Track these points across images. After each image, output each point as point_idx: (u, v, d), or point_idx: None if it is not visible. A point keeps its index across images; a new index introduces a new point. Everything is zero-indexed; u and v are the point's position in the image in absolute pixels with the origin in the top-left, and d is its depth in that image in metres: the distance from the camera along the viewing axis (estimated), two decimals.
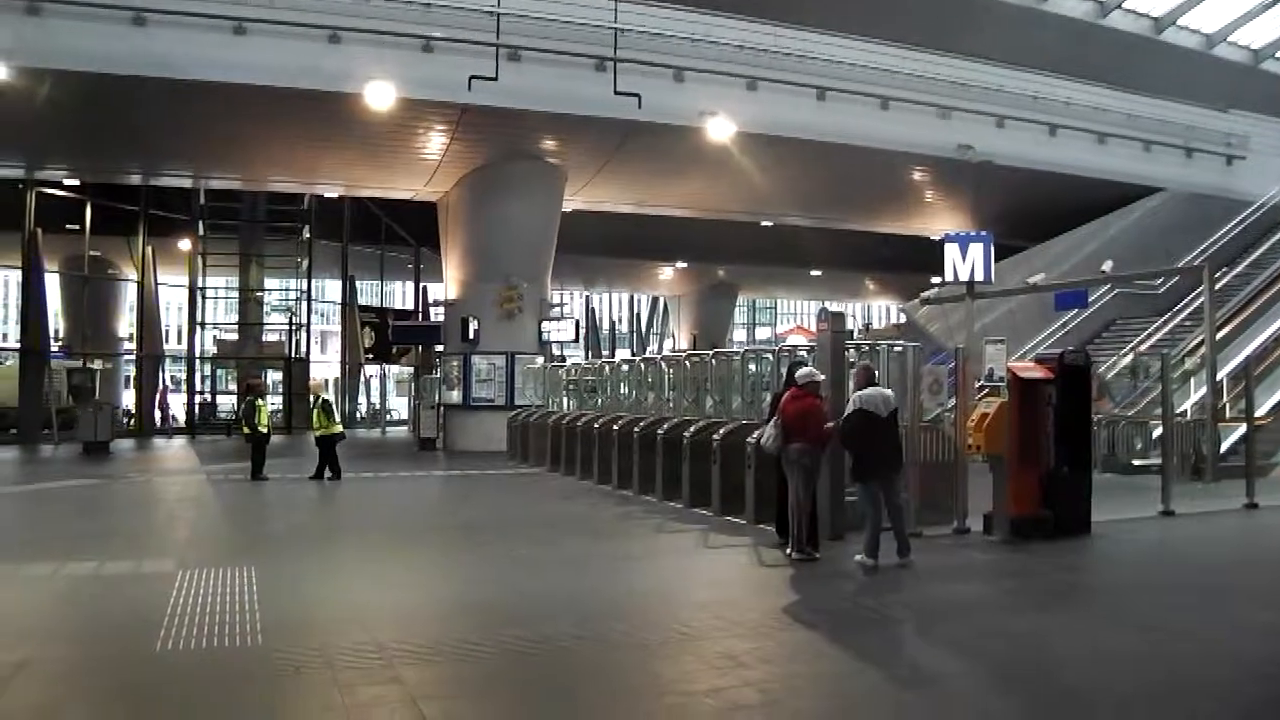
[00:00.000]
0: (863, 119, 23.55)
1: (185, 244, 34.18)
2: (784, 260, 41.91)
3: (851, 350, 11.97)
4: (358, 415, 39.41)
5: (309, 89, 19.41)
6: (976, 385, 13.75)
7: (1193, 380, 20.96)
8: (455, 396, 25.46)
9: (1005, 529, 10.85)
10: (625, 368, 19.76)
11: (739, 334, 60.57)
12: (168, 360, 40.14)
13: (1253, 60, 32.18)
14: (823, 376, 10.33)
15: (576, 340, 28.88)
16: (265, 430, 18.22)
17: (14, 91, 18.29)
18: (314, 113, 20.81)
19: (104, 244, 33.71)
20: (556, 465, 19.12)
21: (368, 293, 44.08)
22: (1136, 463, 18.50)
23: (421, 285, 39.38)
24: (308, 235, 34.77)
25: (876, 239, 35.36)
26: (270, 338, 36.45)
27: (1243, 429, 16.44)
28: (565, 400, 21.51)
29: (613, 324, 60.58)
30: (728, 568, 10.29)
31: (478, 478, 19.24)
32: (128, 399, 38.31)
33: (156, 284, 34.49)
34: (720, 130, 21.45)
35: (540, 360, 25.06)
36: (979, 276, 22.20)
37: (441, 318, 28.00)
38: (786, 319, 70.07)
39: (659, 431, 14.66)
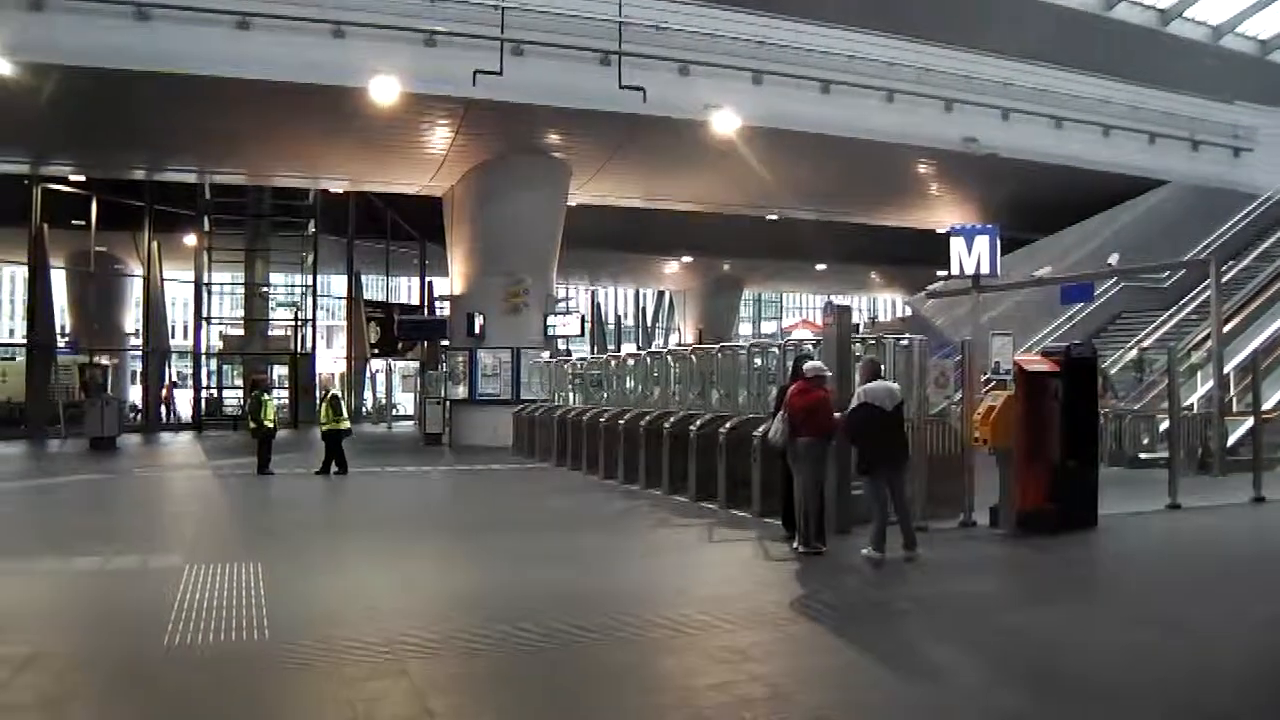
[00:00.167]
0: (868, 112, 23.48)
1: (191, 239, 34.17)
2: (789, 254, 41.82)
3: (858, 344, 11.95)
4: (363, 410, 39.41)
5: (313, 83, 19.37)
6: (983, 379, 13.74)
7: (1199, 374, 20.91)
8: (461, 391, 25.46)
9: (1012, 522, 10.84)
10: (631, 362, 19.76)
11: (744, 328, 60.52)
12: (174, 355, 40.13)
13: (1260, 51, 32.07)
14: (829, 372, 10.33)
15: (582, 335, 28.92)
16: (271, 425, 18.25)
17: (19, 87, 18.27)
18: (318, 107, 20.78)
19: (110, 239, 33.75)
20: (563, 460, 19.12)
21: (373, 288, 44.07)
22: (1143, 456, 18.44)
23: (427, 280, 39.39)
24: (313, 230, 34.74)
25: (884, 233, 35.27)
26: (276, 333, 36.43)
27: (1250, 422, 16.38)
28: (571, 395, 21.51)
29: (618, 318, 60.60)
30: (734, 562, 10.29)
31: (484, 472, 19.26)
32: (134, 394, 38.38)
33: (162, 279, 34.53)
34: (725, 124, 21.39)
35: (546, 355, 25.06)
36: (985, 270, 22.15)
37: (447, 312, 28.01)
38: (792, 313, 70.03)
39: (665, 426, 14.65)
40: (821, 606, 7.90)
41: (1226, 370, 19.55)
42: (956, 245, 22.45)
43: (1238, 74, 30.38)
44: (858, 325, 24.99)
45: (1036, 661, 6.42)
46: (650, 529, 12.30)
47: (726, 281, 49.62)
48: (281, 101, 20.42)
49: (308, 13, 18.94)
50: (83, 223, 31.29)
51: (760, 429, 11.49)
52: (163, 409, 34.78)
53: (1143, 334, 25.13)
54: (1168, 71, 28.17)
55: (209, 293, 34.71)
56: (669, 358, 17.82)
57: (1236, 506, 13.45)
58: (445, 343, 28.50)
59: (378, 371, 42.21)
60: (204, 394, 34.82)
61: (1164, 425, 17.12)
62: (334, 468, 17.78)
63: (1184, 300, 26.12)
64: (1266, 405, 16.50)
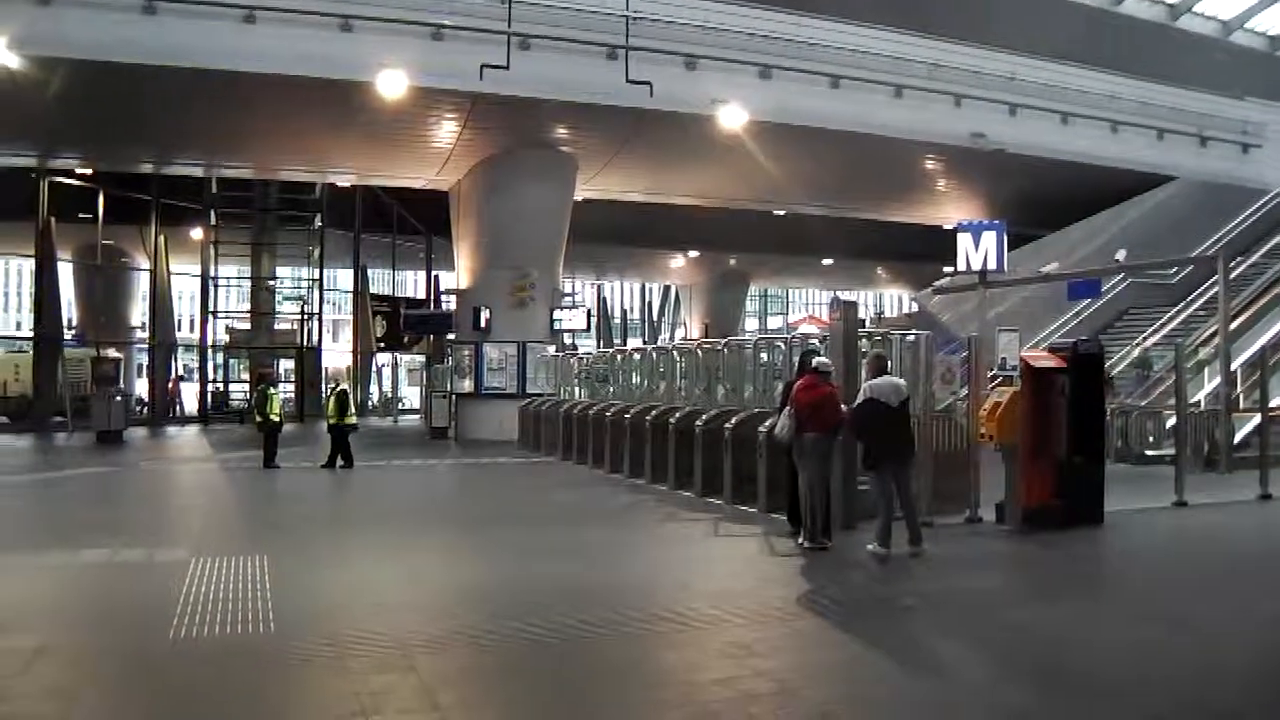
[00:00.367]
0: (876, 107, 23.43)
1: (197, 233, 34.23)
2: (796, 249, 41.80)
3: (864, 340, 11.94)
4: (369, 404, 39.46)
5: (320, 77, 19.36)
6: (989, 374, 13.72)
7: (1206, 370, 20.86)
8: (467, 385, 25.46)
9: (1017, 518, 10.83)
10: (637, 357, 19.76)
11: (750, 323, 60.49)
12: (180, 349, 40.22)
13: (1269, 47, 31.96)
14: (832, 368, 10.32)
15: (588, 329, 28.90)
16: (277, 419, 18.27)
17: (26, 81, 18.28)
18: (325, 101, 20.79)
19: (117, 233, 33.80)
20: (568, 454, 19.13)
21: (379, 281, 44.07)
22: (1150, 453, 18.41)
23: (433, 274, 39.39)
24: (319, 224, 34.80)
25: (891, 229, 35.21)
26: (282, 326, 36.49)
27: (1257, 419, 16.34)
28: (577, 389, 21.53)
29: (624, 313, 60.58)
30: (739, 557, 10.28)
31: (489, 466, 19.27)
32: (140, 387, 38.46)
33: (169, 273, 34.56)
34: (732, 118, 21.35)
35: (552, 349, 25.06)
36: (992, 265, 22.13)
37: (453, 306, 28.02)
38: (798, 308, 69.97)
39: (671, 420, 14.65)
40: (827, 602, 7.90)
41: (1234, 367, 19.50)
42: (963, 241, 22.42)
43: (1247, 69, 30.27)
44: (864, 321, 24.96)
45: (1042, 658, 6.41)
46: (656, 524, 12.30)
47: (733, 276, 49.60)
48: (288, 95, 20.43)
49: (315, 6, 18.96)
50: (90, 216, 31.33)
51: (766, 424, 11.48)
52: (170, 402, 34.82)
53: (1150, 330, 25.07)
54: (1177, 67, 28.06)
55: (215, 286, 34.75)
56: (675, 352, 17.82)
57: (1243, 504, 13.43)
58: (451, 337, 28.52)
59: (384, 365, 42.25)
60: (210, 388, 34.87)
61: (1170, 422, 17.10)
62: (340, 461, 17.81)
63: (1191, 296, 26.05)
64: (1274, 402, 16.44)
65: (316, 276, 35.80)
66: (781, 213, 33.32)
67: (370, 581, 8.66)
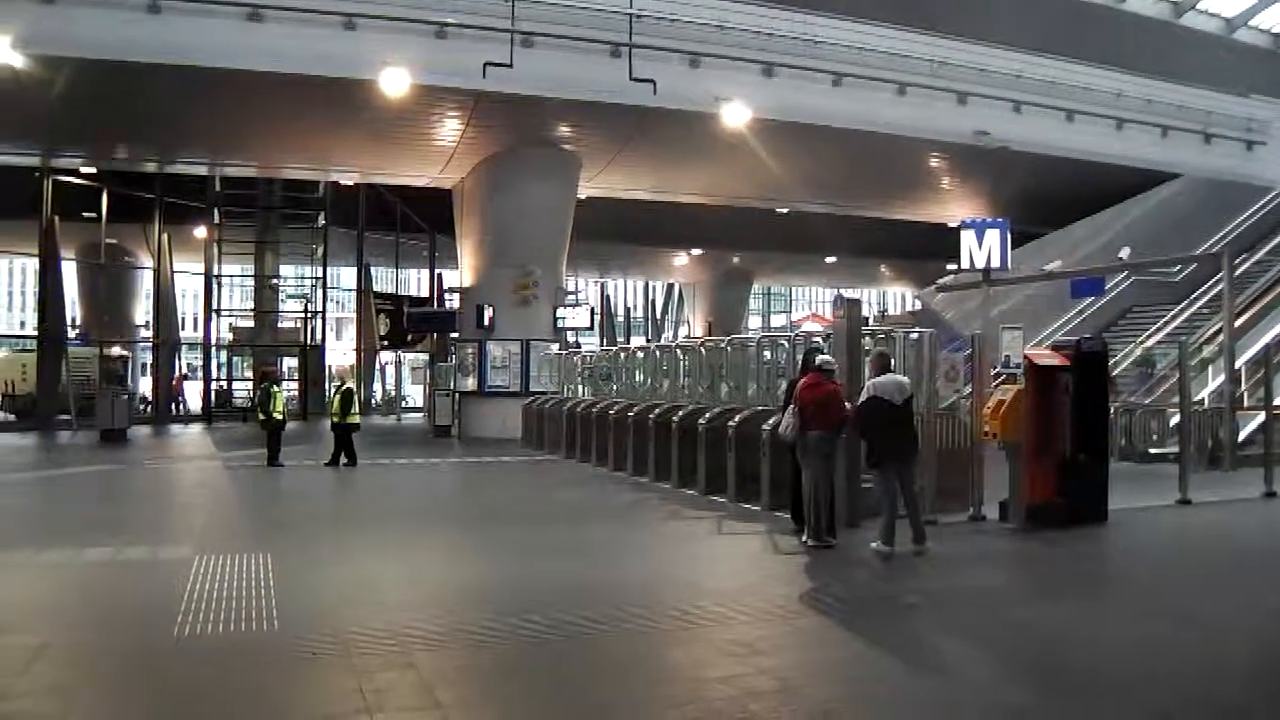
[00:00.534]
0: (879, 105, 23.40)
1: (201, 231, 34.23)
2: (799, 247, 41.78)
3: (867, 337, 11.93)
4: (373, 402, 39.50)
5: (324, 75, 19.38)
6: (993, 372, 13.71)
7: (1210, 368, 20.84)
8: (470, 383, 25.47)
9: (1021, 516, 10.81)
10: (640, 354, 19.75)
11: (754, 321, 60.46)
12: (184, 347, 40.26)
13: (1274, 45, 31.90)
14: (836, 366, 10.31)
15: (591, 327, 28.88)
16: (280, 417, 18.28)
17: (30, 79, 18.31)
18: (328, 99, 20.80)
19: (120, 231, 33.81)
20: (572, 452, 19.14)
21: (383, 279, 44.11)
22: (1153, 451, 18.40)
23: (437, 272, 39.40)
24: (323, 222, 34.81)
25: (894, 227, 35.17)
26: (286, 325, 36.51)
27: (1261, 417, 16.32)
28: (580, 387, 21.53)
29: (627, 311, 60.54)
30: (743, 554, 10.29)
31: (493, 464, 19.27)
32: (144, 386, 38.51)
33: (172, 271, 34.60)
34: (735, 116, 21.33)
35: (555, 347, 25.07)
36: (995, 263, 22.10)
37: (457, 304, 28.02)
38: (801, 306, 69.95)
39: (674, 419, 14.64)
40: (830, 600, 7.89)
41: (1238, 365, 19.48)
42: (967, 239, 22.40)
43: (1251, 67, 30.23)
44: (867, 319, 24.94)
45: (1046, 655, 6.40)
46: (659, 522, 12.31)
47: (736, 274, 49.58)
48: (292, 93, 20.44)
49: (318, 4, 18.97)
50: (93, 215, 31.36)
51: (770, 422, 11.47)
52: (173, 401, 34.85)
53: (1154, 328, 25.04)
54: (1181, 64, 28.02)
55: (219, 285, 34.79)
56: (678, 350, 17.81)
57: (1247, 501, 13.42)
58: (455, 335, 28.52)
59: (387, 363, 42.28)
60: (214, 386, 34.91)
61: (1174, 420, 17.06)
62: (343, 459, 17.82)
63: (1196, 294, 26.04)
64: (1278, 400, 16.41)
65: (320, 274, 35.83)
66: (785, 211, 33.29)
67: (373, 579, 8.66)
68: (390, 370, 42.69)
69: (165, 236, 33.23)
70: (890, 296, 65.13)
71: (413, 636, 6.50)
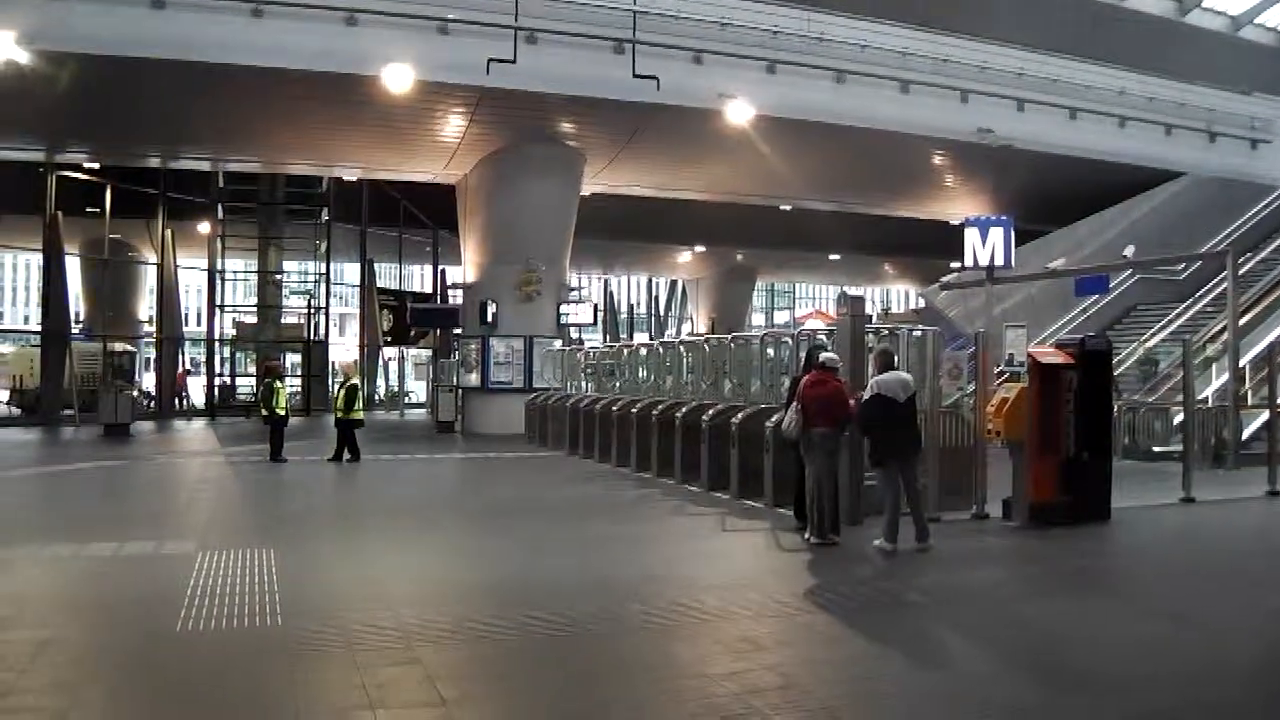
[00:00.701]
0: (882, 102, 23.40)
1: (204, 227, 34.23)
2: (802, 244, 41.77)
3: (871, 335, 11.92)
4: (376, 398, 39.51)
5: (327, 71, 19.41)
6: (996, 370, 13.69)
7: (1214, 366, 20.80)
8: (473, 379, 25.49)
9: (1024, 515, 10.81)
10: (643, 351, 19.74)
11: (757, 318, 60.45)
12: (187, 343, 40.29)
13: (1278, 42, 31.80)
14: (839, 363, 10.31)
15: (595, 323, 28.87)
16: (283, 412, 18.29)
17: (35, 75, 18.33)
18: (332, 95, 20.80)
19: (124, 227, 33.82)
20: (575, 448, 19.15)
21: (386, 275, 44.12)
22: (1157, 449, 18.35)
23: (440, 268, 39.38)
24: (326, 218, 34.83)
25: (897, 224, 35.14)
26: (289, 320, 36.52)
27: (1265, 416, 16.29)
28: (583, 383, 21.52)
29: (631, 307, 60.57)
30: (746, 551, 10.30)
31: (496, 460, 19.28)
32: (147, 381, 38.54)
33: (176, 267, 34.59)
34: (739, 113, 21.33)
35: (559, 343, 25.07)
36: (999, 261, 22.04)
37: (460, 301, 28.02)
38: (805, 303, 69.96)
39: (677, 415, 14.66)
40: (833, 597, 7.89)
41: (1242, 363, 19.45)
42: (970, 236, 22.34)
43: (1256, 65, 30.18)
44: (871, 316, 24.92)
45: (1048, 653, 6.40)
46: (662, 518, 12.31)
47: (740, 271, 49.57)
48: (295, 89, 20.44)
49: (321, 0, 18.95)
50: (97, 210, 31.35)
51: (773, 419, 11.47)
52: (176, 397, 34.88)
53: (1158, 326, 25.01)
54: (1185, 62, 28.00)
55: (222, 280, 34.76)
56: (681, 347, 17.80)
57: (1251, 500, 13.42)
58: (458, 331, 28.55)
59: (390, 359, 42.30)
60: (217, 381, 34.93)
61: (1178, 418, 17.04)
62: (346, 455, 17.83)
63: (1200, 293, 25.99)
64: None
65: (323, 270, 35.82)
66: (788, 208, 33.26)
67: (376, 574, 8.66)
68: (393, 366, 42.70)
69: (169, 232, 33.21)
70: (894, 294, 65.12)
71: (416, 631, 6.51)
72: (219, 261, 34.18)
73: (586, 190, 26.54)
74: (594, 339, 39.34)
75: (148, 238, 34.81)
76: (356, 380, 19.74)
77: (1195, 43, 29.37)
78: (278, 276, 36.19)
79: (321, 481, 16.15)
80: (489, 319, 24.62)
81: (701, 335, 33.10)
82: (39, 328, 32.47)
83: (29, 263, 61.26)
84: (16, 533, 10.58)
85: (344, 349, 42.62)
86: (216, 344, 35.13)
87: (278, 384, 18.63)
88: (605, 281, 56.69)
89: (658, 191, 30.59)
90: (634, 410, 16.27)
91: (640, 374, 19.02)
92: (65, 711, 5.17)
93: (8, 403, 34.14)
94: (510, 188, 24.40)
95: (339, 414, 18.16)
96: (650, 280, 58.95)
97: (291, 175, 32.98)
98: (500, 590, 7.99)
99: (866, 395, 9.78)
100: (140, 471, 17.65)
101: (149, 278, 38.54)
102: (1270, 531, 12.02)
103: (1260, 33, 31.37)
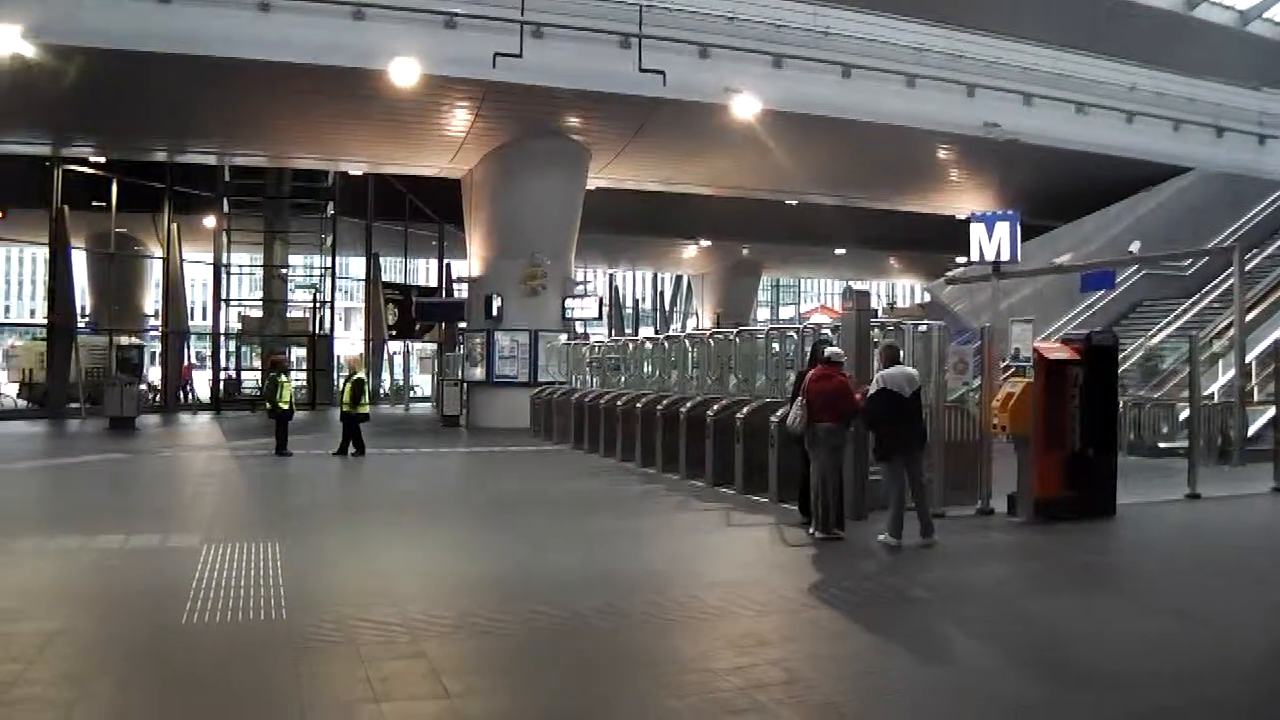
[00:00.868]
0: (888, 97, 23.34)
1: (210, 221, 34.26)
2: (808, 239, 41.68)
3: (876, 330, 11.91)
4: (381, 392, 39.54)
5: (333, 66, 19.42)
6: (1002, 365, 13.68)
7: (1220, 363, 20.76)
8: (479, 373, 25.51)
9: (1029, 510, 10.80)
10: (649, 346, 19.75)
11: (763, 312, 60.39)
12: (193, 337, 40.32)
13: None
14: (845, 358, 10.30)
15: (600, 318, 28.88)
16: (288, 406, 18.32)
17: (41, 69, 18.33)
18: (338, 89, 20.80)
19: (130, 221, 33.82)
20: (580, 443, 19.15)
21: (392, 269, 44.10)
22: (1163, 445, 18.35)
23: (445, 262, 39.39)
24: (332, 212, 34.84)
25: (903, 219, 35.08)
26: (294, 314, 36.56)
27: (1271, 412, 16.29)
28: (588, 378, 21.53)
29: (636, 302, 60.55)
30: (750, 546, 10.30)
31: (501, 454, 19.30)
32: (153, 375, 38.58)
33: (182, 260, 34.59)
34: (745, 108, 21.30)
35: (564, 337, 25.08)
36: (1005, 256, 22.04)
37: (465, 294, 28.06)
38: (810, 298, 69.88)
39: (682, 410, 14.65)
40: (838, 592, 7.88)
41: (1248, 359, 19.41)
42: (976, 231, 22.34)
43: (1264, 60, 30.06)
44: (876, 311, 24.90)
45: (1053, 649, 6.39)
46: (667, 513, 12.31)
47: (745, 266, 49.50)
48: (301, 84, 20.44)
49: None
50: (103, 204, 31.38)
51: (778, 414, 11.47)
52: (181, 390, 34.93)
53: (1164, 322, 24.94)
54: (1193, 58, 27.89)
55: (228, 274, 34.79)
56: (687, 342, 17.80)
57: (1257, 496, 13.39)
58: (463, 325, 28.56)
59: (395, 353, 42.34)
60: (222, 375, 34.98)
61: (1184, 414, 17.02)
62: (351, 449, 17.86)
63: (1206, 289, 25.91)
64: None
65: (329, 264, 35.84)
66: (794, 202, 33.26)
67: (381, 568, 8.68)
68: (399, 360, 42.73)
69: (175, 226, 33.22)
70: (899, 289, 65.07)
71: (421, 625, 6.52)
72: (225, 255, 34.23)
73: (592, 184, 26.53)
74: (599, 333, 39.37)
75: (154, 232, 34.82)
76: (362, 374, 19.73)
77: (1204, 37, 29.27)
78: (283, 270, 36.24)
79: (326, 475, 16.18)
80: (494, 313, 24.63)
81: (707, 330, 33.10)
82: (45, 321, 32.50)
83: (35, 256, 61.32)
84: (24, 525, 10.62)
85: (349, 343, 42.66)
86: (222, 338, 35.17)
87: (283, 378, 18.64)
88: (610, 276, 56.65)
89: (663, 186, 30.58)
90: (639, 405, 16.28)
91: (645, 368, 19.03)
92: (73, 703, 5.19)
93: (17, 396, 34.20)
94: (516, 182, 24.40)
95: (344, 408, 18.19)
96: (656, 275, 58.91)
97: (297, 169, 33.03)
98: (505, 584, 8.00)
99: (872, 390, 9.77)
100: (146, 465, 17.68)
101: (155, 272, 38.56)
102: (1276, 528, 12.00)
103: (1268, 27, 31.26)
